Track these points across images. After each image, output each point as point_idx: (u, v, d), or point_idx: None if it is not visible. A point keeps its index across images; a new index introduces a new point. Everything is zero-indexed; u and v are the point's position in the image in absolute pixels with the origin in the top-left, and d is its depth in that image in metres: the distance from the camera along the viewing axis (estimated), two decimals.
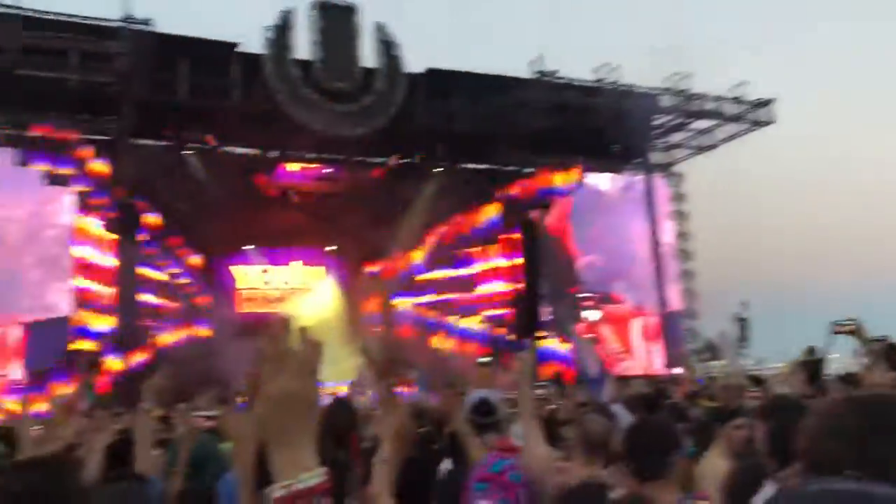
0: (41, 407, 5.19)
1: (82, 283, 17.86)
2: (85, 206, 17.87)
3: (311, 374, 1.34)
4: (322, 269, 23.58)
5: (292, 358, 1.34)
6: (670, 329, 23.77)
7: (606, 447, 3.44)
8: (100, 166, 17.88)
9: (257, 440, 3.56)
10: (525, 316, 22.37)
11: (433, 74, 21.43)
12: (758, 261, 38.79)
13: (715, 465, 3.32)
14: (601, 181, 24.30)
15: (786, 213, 46.05)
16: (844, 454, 1.37)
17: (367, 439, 4.14)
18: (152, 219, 19.69)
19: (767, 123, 23.75)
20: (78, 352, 17.15)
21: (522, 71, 21.96)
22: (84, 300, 17.77)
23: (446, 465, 3.97)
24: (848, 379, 5.24)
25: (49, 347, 16.93)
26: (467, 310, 23.97)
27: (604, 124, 22.32)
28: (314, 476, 1.27)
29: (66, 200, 17.66)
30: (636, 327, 23.62)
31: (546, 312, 22.55)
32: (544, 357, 21.54)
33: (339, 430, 3.34)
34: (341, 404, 4.03)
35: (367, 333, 19.91)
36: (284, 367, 1.32)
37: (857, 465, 1.33)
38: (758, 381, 7.67)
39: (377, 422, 3.42)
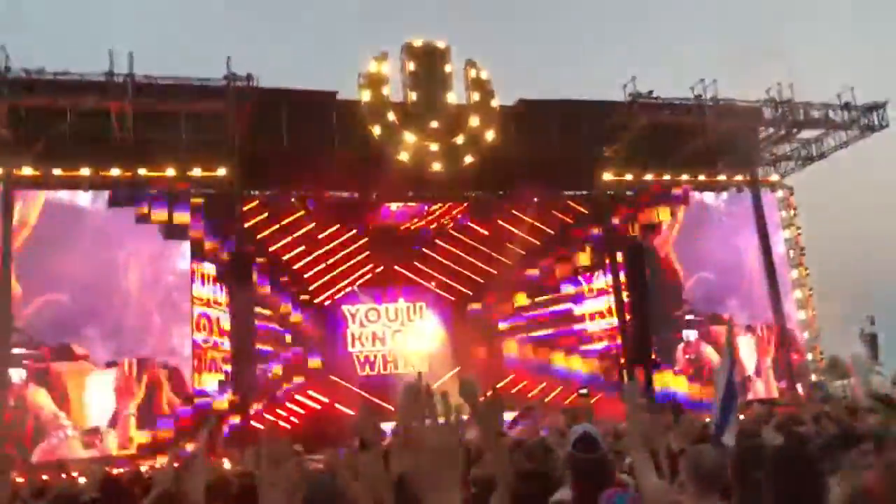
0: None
1: (200, 331, 18.67)
2: (199, 257, 18.70)
3: (454, 428, 1.51)
4: (423, 304, 23.79)
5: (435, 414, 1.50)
6: (785, 347, 22.67)
7: (719, 480, 3.31)
8: (211, 217, 18.75)
9: (389, 481, 3.61)
10: (635, 345, 21.85)
11: (526, 105, 21.50)
12: (881, 274, 36.54)
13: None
14: (708, 198, 23.66)
15: None
16: None
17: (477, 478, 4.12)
18: (264, 263, 20.49)
19: (881, 128, 22.57)
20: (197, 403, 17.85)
21: (616, 95, 21.72)
22: (202, 347, 18.53)
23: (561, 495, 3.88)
24: None
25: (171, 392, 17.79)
26: (572, 345, 23.67)
27: (706, 141, 21.76)
28: None
29: (182, 251, 18.54)
30: (747, 346, 22.41)
31: (656, 339, 21.93)
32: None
33: None
34: None
35: (466, 372, 19.91)
36: (429, 427, 1.48)
37: None
38: (890, 403, 7.19)
39: (485, 461, 3.42)
